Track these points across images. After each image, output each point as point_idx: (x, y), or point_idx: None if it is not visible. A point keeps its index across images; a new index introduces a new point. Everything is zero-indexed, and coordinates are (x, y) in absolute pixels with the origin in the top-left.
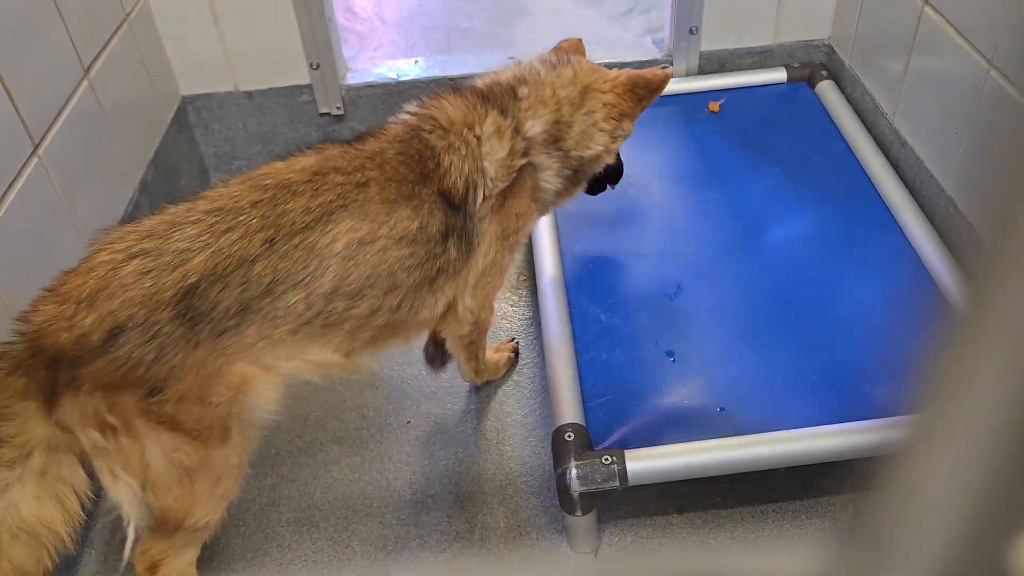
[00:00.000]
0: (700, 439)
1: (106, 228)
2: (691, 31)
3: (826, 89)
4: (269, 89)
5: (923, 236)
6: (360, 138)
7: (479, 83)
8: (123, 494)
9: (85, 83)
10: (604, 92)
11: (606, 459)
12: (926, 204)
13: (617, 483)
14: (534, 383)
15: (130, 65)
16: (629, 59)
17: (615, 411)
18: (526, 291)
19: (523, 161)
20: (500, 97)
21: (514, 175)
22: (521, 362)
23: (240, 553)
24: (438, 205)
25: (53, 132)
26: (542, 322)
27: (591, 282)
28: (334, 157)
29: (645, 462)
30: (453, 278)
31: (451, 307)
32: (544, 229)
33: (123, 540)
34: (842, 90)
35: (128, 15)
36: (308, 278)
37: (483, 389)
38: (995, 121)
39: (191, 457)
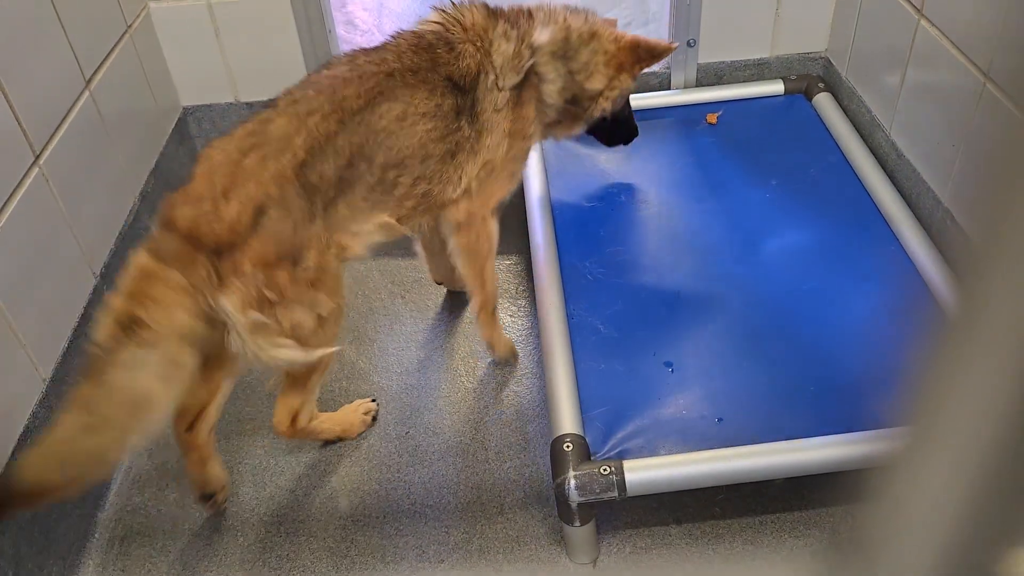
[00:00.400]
0: (698, 450)
1: (207, 144)
2: (689, 43)
3: (823, 101)
4: (270, 100)
5: (920, 248)
6: (384, 42)
7: (517, 9)
8: (287, 355)
9: (86, 94)
10: (609, 41)
11: (604, 469)
12: (923, 216)
13: (615, 493)
14: (532, 393)
15: (131, 76)
16: None
17: (613, 421)
18: (525, 302)
19: (529, 62)
20: (514, 14)
21: (521, 76)
22: (520, 372)
23: (239, 564)
24: (448, 88)
25: (54, 143)
26: (541, 332)
27: (589, 292)
28: (363, 55)
29: (643, 472)
30: (472, 156)
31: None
32: (543, 239)
33: (121, 552)
34: (839, 102)
35: (130, 27)
36: (370, 151)
37: (481, 399)
38: (991, 134)
39: (325, 309)
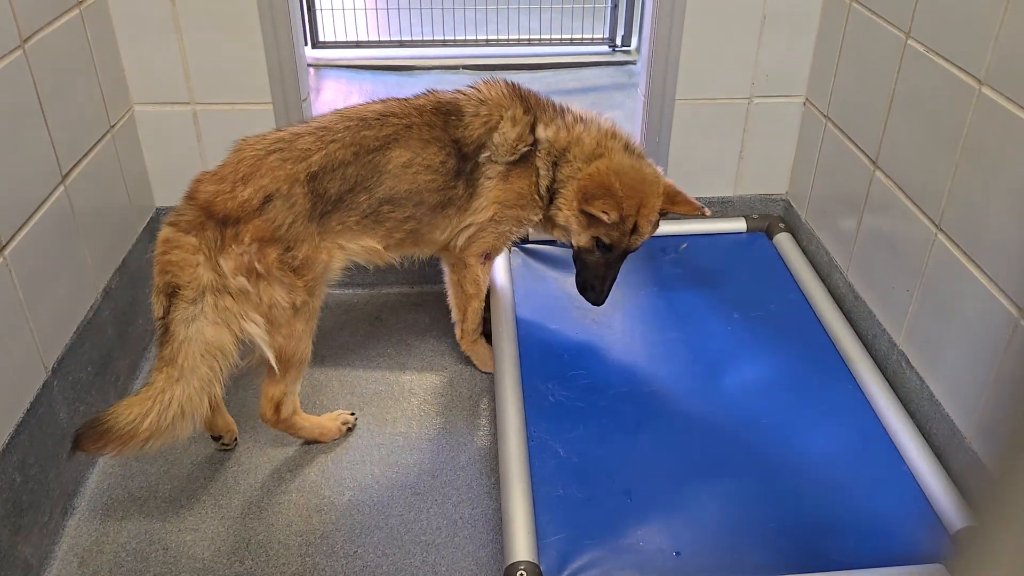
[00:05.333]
0: None
1: (243, 137)
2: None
3: (783, 241)
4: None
5: (876, 389)
6: (416, 96)
7: (553, 103)
8: (254, 330)
9: (61, 188)
10: (582, 173)
11: None
12: (879, 356)
13: None
14: (488, 515)
15: (108, 174)
16: None
17: (569, 549)
18: (485, 420)
19: (525, 148)
20: (544, 106)
21: (516, 156)
22: (475, 493)
23: None
24: (454, 151)
25: (23, 234)
26: (499, 453)
27: (551, 415)
28: (393, 106)
29: None
30: (459, 212)
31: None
32: (507, 359)
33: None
34: (798, 242)
35: (113, 126)
36: (372, 185)
37: (434, 518)
38: (943, 281)
39: (300, 299)
